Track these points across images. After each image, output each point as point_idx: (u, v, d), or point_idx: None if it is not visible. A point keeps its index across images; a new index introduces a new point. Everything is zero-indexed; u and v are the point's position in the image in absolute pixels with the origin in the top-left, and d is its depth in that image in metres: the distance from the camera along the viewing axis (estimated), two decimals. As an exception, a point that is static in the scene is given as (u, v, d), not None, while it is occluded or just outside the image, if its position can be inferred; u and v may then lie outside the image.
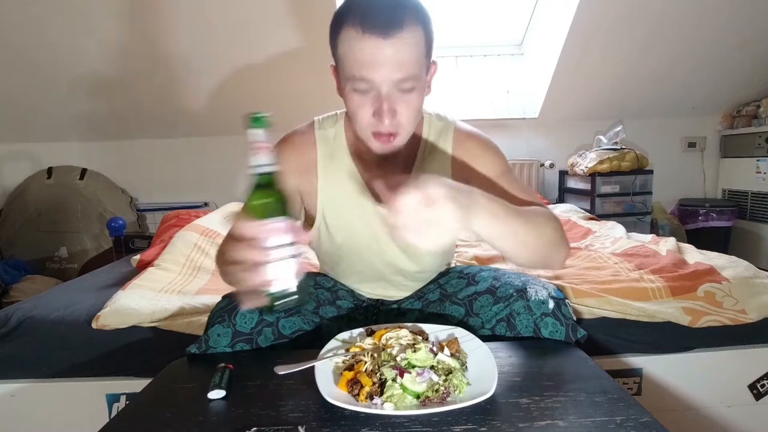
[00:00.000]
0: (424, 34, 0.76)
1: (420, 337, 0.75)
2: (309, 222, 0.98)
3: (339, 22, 0.76)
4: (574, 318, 0.87)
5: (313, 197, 0.93)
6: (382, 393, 0.63)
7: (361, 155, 0.92)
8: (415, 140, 0.92)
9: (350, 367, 0.70)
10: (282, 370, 0.71)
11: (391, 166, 0.90)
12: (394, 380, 0.64)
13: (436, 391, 0.63)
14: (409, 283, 1.04)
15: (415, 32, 0.74)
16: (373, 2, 0.74)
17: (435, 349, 0.71)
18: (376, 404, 0.62)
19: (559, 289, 0.92)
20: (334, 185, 0.92)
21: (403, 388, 0.64)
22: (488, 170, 0.91)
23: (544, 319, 0.84)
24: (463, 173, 0.92)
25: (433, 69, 0.84)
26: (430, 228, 0.58)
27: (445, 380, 0.65)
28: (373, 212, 0.92)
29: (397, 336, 0.74)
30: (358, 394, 0.64)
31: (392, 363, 0.68)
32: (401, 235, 0.58)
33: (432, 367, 0.67)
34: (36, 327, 1.23)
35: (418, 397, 0.63)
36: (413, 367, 0.66)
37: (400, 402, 0.62)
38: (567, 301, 0.89)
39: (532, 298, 0.86)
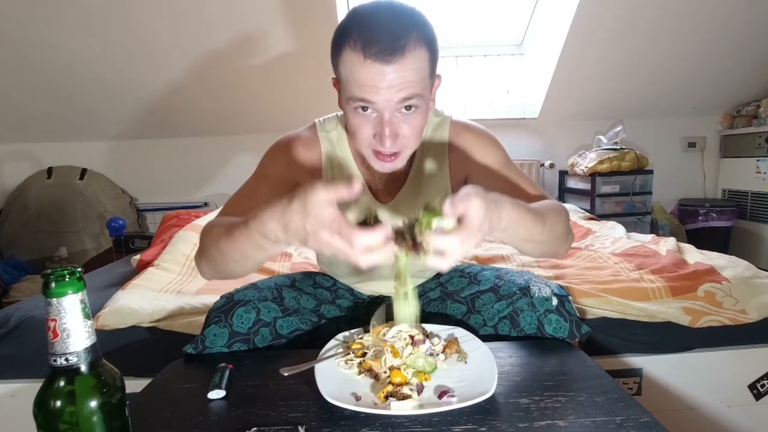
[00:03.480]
0: (428, 54, 0.74)
1: (418, 331, 0.76)
2: None
3: (340, 42, 0.74)
4: (578, 315, 0.87)
5: None
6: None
7: (364, 163, 0.92)
8: None
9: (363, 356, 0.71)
10: (287, 371, 0.71)
11: (395, 176, 0.90)
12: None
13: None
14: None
15: (418, 55, 0.72)
16: (374, 25, 0.71)
17: (435, 350, 0.71)
18: (386, 405, 0.62)
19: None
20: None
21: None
22: (488, 163, 0.91)
23: (547, 316, 0.84)
24: (461, 167, 0.92)
25: (437, 83, 0.83)
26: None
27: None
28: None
29: (398, 332, 0.75)
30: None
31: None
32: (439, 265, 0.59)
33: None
34: (36, 327, 1.22)
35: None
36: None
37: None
38: (570, 298, 0.90)
39: (536, 296, 0.86)
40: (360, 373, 0.69)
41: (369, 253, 0.58)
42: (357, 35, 0.71)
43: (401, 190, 0.92)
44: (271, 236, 0.63)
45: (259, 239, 0.65)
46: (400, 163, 0.81)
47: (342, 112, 0.93)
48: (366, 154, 0.81)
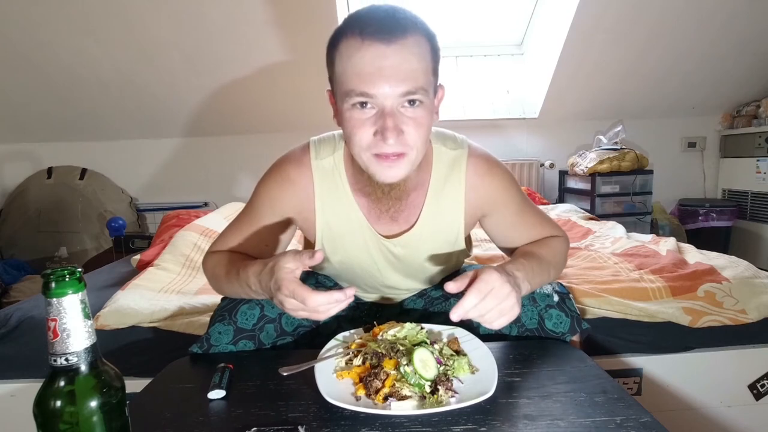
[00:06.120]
0: (429, 47, 0.71)
1: (419, 326, 0.76)
2: (309, 248, 0.96)
3: (337, 36, 0.71)
4: (578, 312, 0.88)
5: (312, 231, 0.89)
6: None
7: (364, 190, 0.84)
8: (424, 175, 0.85)
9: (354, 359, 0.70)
10: (287, 371, 0.71)
11: (397, 203, 0.83)
12: (407, 364, 0.65)
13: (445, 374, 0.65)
14: (410, 294, 1.04)
15: (420, 42, 0.69)
16: (373, 13, 0.69)
17: (436, 347, 0.71)
18: (386, 405, 0.62)
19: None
20: (332, 220, 0.87)
21: (410, 377, 0.64)
22: (507, 206, 0.89)
23: (548, 311, 0.84)
24: (477, 208, 0.88)
25: (440, 93, 0.78)
26: (508, 311, 0.67)
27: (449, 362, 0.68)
28: (374, 246, 0.88)
29: (399, 330, 0.75)
30: (376, 392, 0.63)
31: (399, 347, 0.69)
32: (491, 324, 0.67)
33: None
34: (36, 327, 1.22)
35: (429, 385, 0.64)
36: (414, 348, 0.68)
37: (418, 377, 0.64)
38: (571, 295, 0.90)
39: (537, 291, 0.86)
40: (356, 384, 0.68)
41: (321, 312, 0.66)
42: (354, 23, 0.69)
43: (412, 230, 0.87)
44: (253, 288, 0.75)
45: (245, 288, 0.77)
46: (404, 169, 0.73)
47: (339, 133, 0.86)
48: (365, 162, 0.73)
